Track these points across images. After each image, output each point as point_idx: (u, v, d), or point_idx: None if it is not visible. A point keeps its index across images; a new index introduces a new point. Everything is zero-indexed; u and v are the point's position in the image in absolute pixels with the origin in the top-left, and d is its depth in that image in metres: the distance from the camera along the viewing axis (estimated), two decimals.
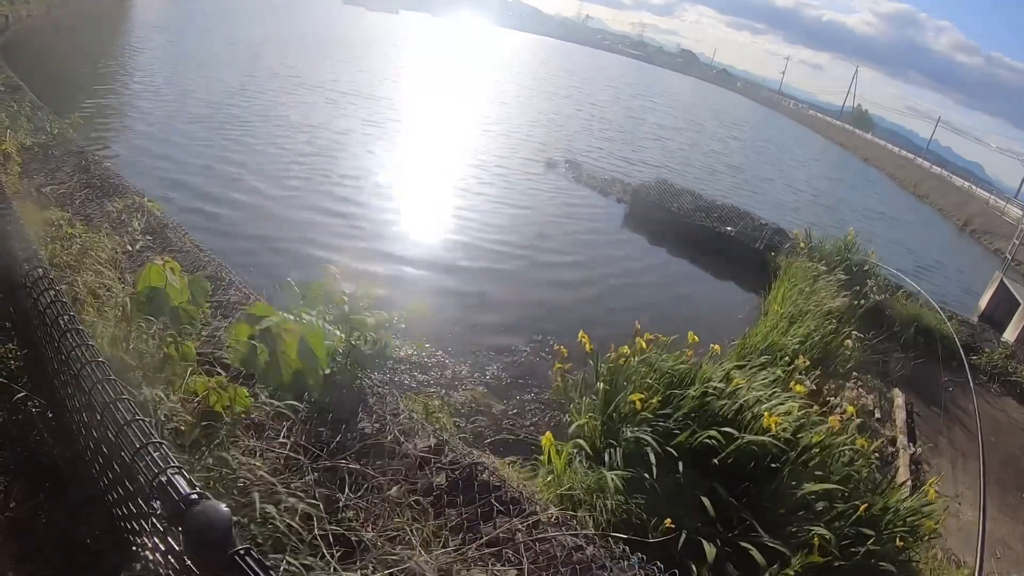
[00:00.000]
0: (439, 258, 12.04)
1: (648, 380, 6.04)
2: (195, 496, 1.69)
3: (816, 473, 5.69)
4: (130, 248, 6.86)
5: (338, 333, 4.76)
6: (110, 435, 2.25)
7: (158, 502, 1.82)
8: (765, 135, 55.35)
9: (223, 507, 1.66)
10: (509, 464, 5.31)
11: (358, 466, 4.20)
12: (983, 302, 21.09)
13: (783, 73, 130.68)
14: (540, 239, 14.21)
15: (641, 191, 18.29)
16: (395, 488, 4.16)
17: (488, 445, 6.05)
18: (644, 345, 6.22)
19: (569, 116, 33.32)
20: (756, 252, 15.42)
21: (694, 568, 4.58)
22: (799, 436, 5.85)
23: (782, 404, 6.21)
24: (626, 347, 6.22)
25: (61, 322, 3.01)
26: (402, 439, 4.60)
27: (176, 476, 1.80)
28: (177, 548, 1.76)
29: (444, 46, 65.34)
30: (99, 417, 2.38)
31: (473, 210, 15.47)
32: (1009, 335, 17.02)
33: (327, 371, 4.73)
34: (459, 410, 6.52)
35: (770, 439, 5.48)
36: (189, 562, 1.67)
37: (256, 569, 1.51)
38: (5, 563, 3.15)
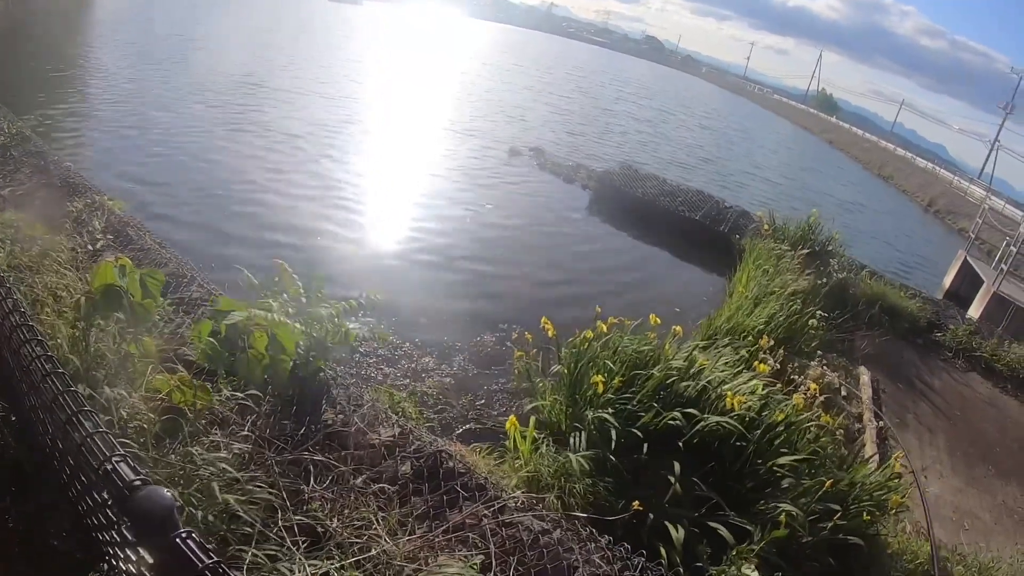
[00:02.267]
0: (400, 248, 12.00)
1: (610, 363, 6.08)
2: (138, 482, 1.71)
3: (782, 451, 5.75)
4: (91, 247, 6.80)
5: (298, 326, 4.76)
6: (60, 431, 2.26)
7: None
8: (731, 121, 55.62)
9: (166, 492, 1.68)
10: (476, 452, 5.33)
11: (322, 457, 4.21)
12: (947, 280, 21.48)
13: (748, 59, 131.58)
14: (504, 228, 14.20)
15: (605, 177, 18.30)
16: (360, 478, 4.18)
17: (456, 435, 6.07)
18: (605, 328, 6.26)
19: (531, 106, 33.10)
20: (721, 235, 15.51)
21: (662, 550, 4.63)
22: (763, 415, 5.92)
23: (746, 384, 6.28)
24: (589, 331, 6.26)
25: (13, 319, 3.00)
26: (366, 429, 4.61)
27: (120, 464, 1.81)
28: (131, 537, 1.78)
29: (407, 37, 64.60)
30: (49, 413, 2.39)
31: (435, 198, 15.48)
32: (973, 312, 17.34)
33: (290, 364, 4.74)
34: (426, 401, 6.53)
35: (733, 419, 5.55)
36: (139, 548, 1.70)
37: (197, 552, 1.53)
38: None
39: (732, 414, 5.59)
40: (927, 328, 14.40)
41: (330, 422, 4.59)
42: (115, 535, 1.93)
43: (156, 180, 12.34)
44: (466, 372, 7.78)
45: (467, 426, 6.28)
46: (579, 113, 34.76)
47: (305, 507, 3.81)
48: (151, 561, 1.67)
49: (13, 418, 3.66)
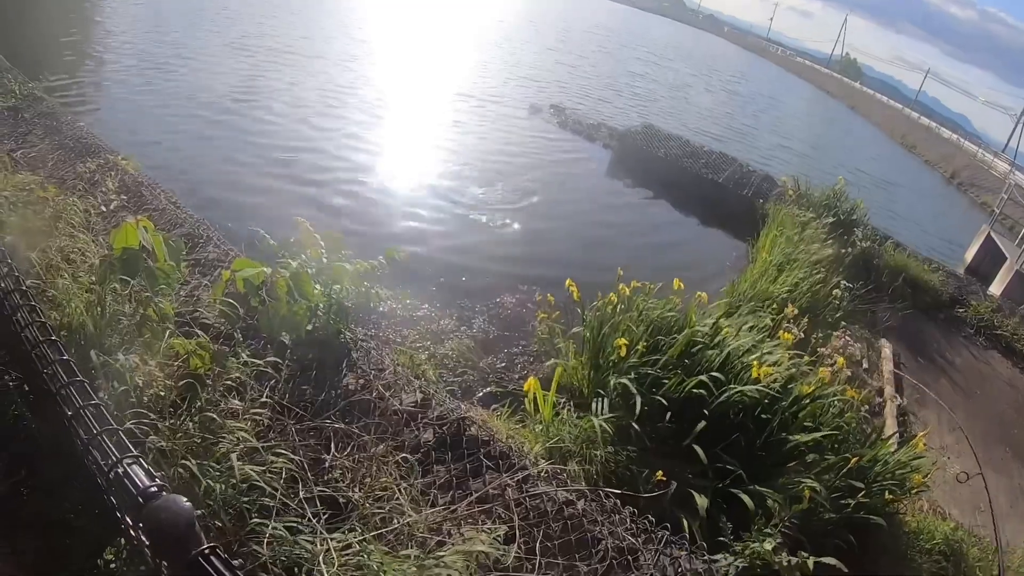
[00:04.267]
0: (420, 206, 11.89)
1: (633, 327, 5.97)
2: (154, 489, 1.58)
3: (806, 424, 5.65)
4: (104, 209, 6.70)
5: (317, 288, 4.67)
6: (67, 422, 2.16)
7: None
8: (755, 86, 54.67)
9: (185, 502, 1.54)
10: (497, 416, 5.24)
11: (343, 425, 4.12)
12: (969, 255, 21.25)
13: (771, 19, 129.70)
14: (524, 186, 14.03)
15: (627, 136, 18.08)
16: (381, 446, 4.10)
17: (477, 398, 5.99)
18: (628, 292, 6.15)
19: (550, 67, 32.37)
20: (744, 199, 15.31)
21: (684, 522, 4.56)
22: (789, 387, 5.81)
23: (771, 354, 6.16)
24: (613, 295, 6.15)
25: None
26: (387, 395, 4.52)
27: (133, 466, 1.68)
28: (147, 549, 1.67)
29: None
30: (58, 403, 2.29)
31: (455, 154, 15.32)
32: (995, 288, 17.14)
33: (309, 328, 4.66)
34: (446, 364, 6.44)
35: (760, 389, 5.44)
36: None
37: (222, 569, 1.40)
38: None
39: (758, 385, 5.48)
40: (949, 303, 14.26)
41: (351, 388, 4.50)
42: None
43: (170, 140, 12.19)
44: (487, 334, 7.67)
45: (488, 389, 6.20)
46: (600, 74, 34.12)
47: (326, 476, 3.74)
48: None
49: (26, 387, 3.58)
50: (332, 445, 3.97)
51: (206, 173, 11.01)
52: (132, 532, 1.71)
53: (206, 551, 1.44)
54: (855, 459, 5.35)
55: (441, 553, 3.31)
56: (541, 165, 15.95)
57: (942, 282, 14.59)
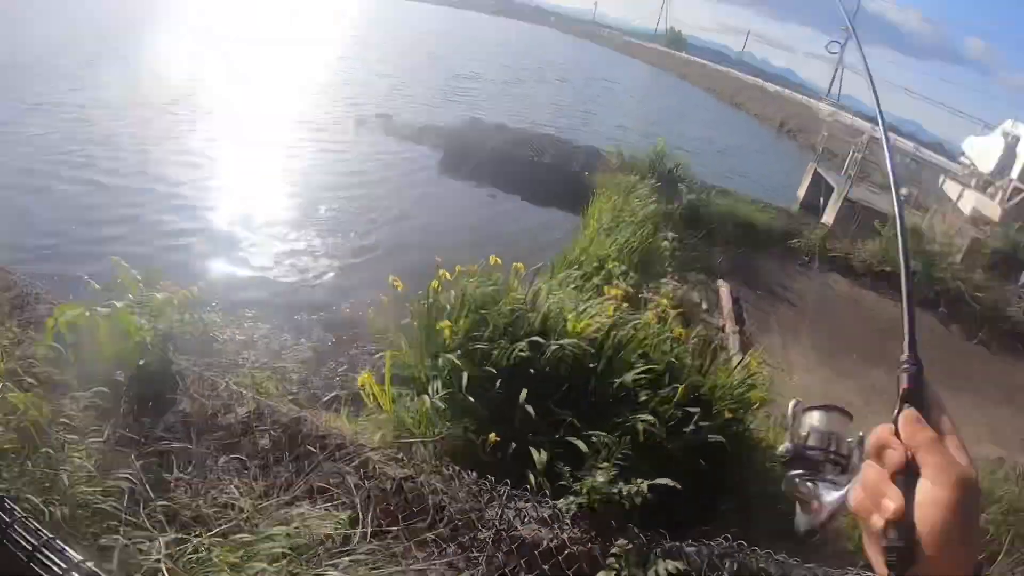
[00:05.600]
0: (249, 230, 12.00)
1: (451, 307, 6.30)
2: None
3: (636, 366, 6.09)
4: None
5: (144, 323, 4.83)
6: None
7: None
8: (585, 70, 56.00)
9: None
10: (340, 416, 5.51)
11: (182, 445, 4.32)
12: (801, 192, 22.70)
13: (596, 3, 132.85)
14: (356, 197, 14.24)
15: (453, 134, 18.57)
16: (222, 458, 4.32)
17: (323, 403, 6.20)
18: (448, 276, 6.45)
19: (379, 78, 31.95)
20: (573, 175, 15.96)
21: (531, 476, 4.91)
22: (613, 334, 6.26)
23: (592, 309, 6.61)
24: (435, 281, 6.45)
25: None
26: (223, 412, 4.74)
27: None
28: None
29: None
30: None
31: (285, 176, 15.45)
32: (827, 218, 18.47)
33: (140, 363, 4.81)
34: (289, 377, 6.61)
35: (577, 341, 5.88)
36: None
37: None
38: None
39: (580, 338, 5.92)
40: (782, 237, 15.20)
41: (187, 411, 4.69)
42: None
43: None
44: (324, 343, 7.92)
45: (333, 393, 6.39)
46: (428, 79, 34.00)
47: (170, 494, 3.93)
48: None
49: None
50: (174, 465, 4.15)
51: (29, 237, 10.69)
52: None
53: None
54: (683, 388, 5.84)
55: (267, 531, 3.55)
56: (368, 175, 16.14)
57: (772, 219, 15.55)
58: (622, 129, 26.97)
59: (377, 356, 6.73)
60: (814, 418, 1.05)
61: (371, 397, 5.59)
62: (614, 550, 4.39)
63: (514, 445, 5.10)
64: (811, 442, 1.02)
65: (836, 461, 1.01)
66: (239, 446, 4.49)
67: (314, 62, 33.65)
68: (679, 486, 4.83)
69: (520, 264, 6.62)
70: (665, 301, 7.68)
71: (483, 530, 4.29)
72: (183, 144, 16.61)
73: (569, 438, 5.25)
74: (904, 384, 0.95)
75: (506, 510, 4.40)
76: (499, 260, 6.72)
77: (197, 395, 4.83)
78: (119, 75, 22.34)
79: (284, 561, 3.38)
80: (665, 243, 10.93)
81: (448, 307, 6.30)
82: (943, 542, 0.80)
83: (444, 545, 4.14)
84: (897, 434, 0.91)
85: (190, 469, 4.20)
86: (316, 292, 9.90)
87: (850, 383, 10.34)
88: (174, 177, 14.08)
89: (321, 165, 16.54)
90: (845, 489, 0.94)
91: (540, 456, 4.98)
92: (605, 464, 4.89)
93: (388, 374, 5.63)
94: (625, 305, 7.05)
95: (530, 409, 5.28)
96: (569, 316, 6.21)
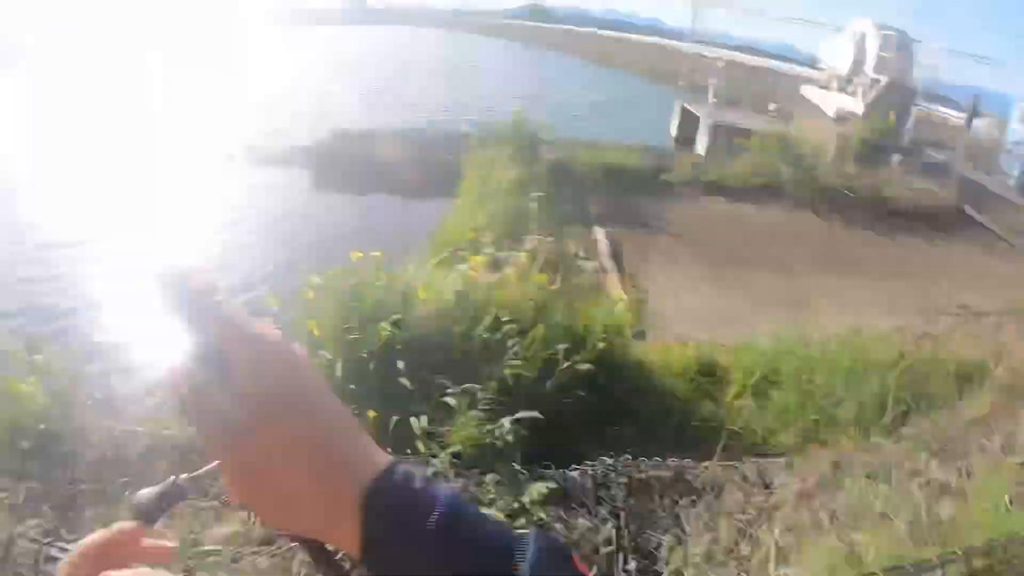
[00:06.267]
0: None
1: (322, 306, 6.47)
2: None
3: (500, 319, 6.30)
4: None
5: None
6: None
7: None
8: (456, 62, 55.48)
9: None
10: None
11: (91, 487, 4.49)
12: (672, 129, 23.36)
13: None
14: (232, 234, 14.09)
15: (322, 148, 18.46)
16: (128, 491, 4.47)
17: None
18: (316, 282, 6.57)
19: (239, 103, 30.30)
20: (443, 162, 16.04)
21: (420, 445, 5.05)
22: (470, 296, 6.50)
23: (446, 277, 6.81)
24: (306, 289, 6.56)
25: None
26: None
27: None
28: None
29: None
30: None
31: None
32: (700, 149, 19.11)
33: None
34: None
35: (430, 308, 6.11)
36: None
37: None
38: None
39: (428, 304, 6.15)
40: (654, 174, 15.60)
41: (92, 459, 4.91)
42: None
43: None
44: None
45: None
46: (291, 101, 32.67)
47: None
48: None
49: None
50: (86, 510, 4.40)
51: None
52: None
53: None
54: (539, 328, 6.11)
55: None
56: (245, 210, 15.71)
57: (642, 160, 15.93)
58: (490, 111, 26.91)
59: None
60: None
61: None
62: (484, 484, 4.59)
63: (395, 419, 5.26)
64: None
65: None
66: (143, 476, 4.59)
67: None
68: (539, 415, 5.09)
69: (378, 253, 6.71)
70: (523, 256, 7.88)
71: None
72: None
73: (443, 399, 5.44)
74: None
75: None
76: (361, 254, 6.78)
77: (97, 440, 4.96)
78: None
79: None
80: (532, 204, 11.12)
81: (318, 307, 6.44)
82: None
83: None
84: None
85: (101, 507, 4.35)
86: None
87: (736, 292, 10.73)
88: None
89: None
90: None
91: (419, 422, 5.15)
92: (473, 412, 5.12)
93: None
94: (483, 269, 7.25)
95: (405, 381, 5.47)
96: (420, 288, 6.39)
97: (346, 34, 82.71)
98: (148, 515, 0.66)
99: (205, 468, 0.66)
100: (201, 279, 0.61)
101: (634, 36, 60.99)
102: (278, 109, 29.43)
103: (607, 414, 6.27)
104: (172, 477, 0.67)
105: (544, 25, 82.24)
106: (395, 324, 6.02)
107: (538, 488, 4.63)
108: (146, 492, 0.67)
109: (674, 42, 51.07)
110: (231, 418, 0.57)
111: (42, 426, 5.02)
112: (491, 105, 28.04)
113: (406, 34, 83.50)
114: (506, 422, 5.05)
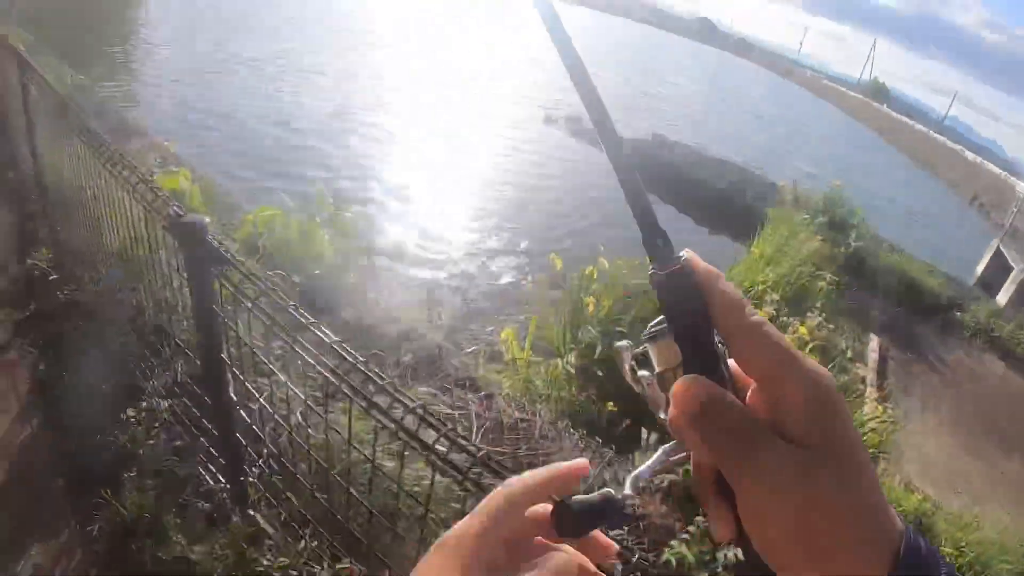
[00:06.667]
0: (438, 195, 12.93)
1: (600, 288, 6.59)
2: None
3: None
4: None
5: (326, 236, 5.41)
6: None
7: None
8: (779, 108, 54.31)
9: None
10: (474, 360, 5.90)
11: (339, 338, 4.79)
12: (980, 268, 21.51)
13: (801, 43, 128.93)
14: (535, 188, 14.80)
15: (637, 145, 18.46)
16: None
17: (464, 353, 6.62)
18: (606, 264, 6.71)
19: (564, 83, 31.84)
20: (746, 204, 15.72)
21: (636, 455, 5.13)
22: None
23: None
24: (592, 267, 6.74)
25: None
26: (377, 324, 5.22)
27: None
28: None
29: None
30: None
31: (473, 159, 16.29)
32: (1002, 298, 17.48)
33: (316, 272, 5.39)
34: (438, 322, 7.06)
35: None
36: None
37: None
38: None
39: None
40: (947, 306, 14.50)
41: (348, 318, 5.20)
42: None
43: (207, 128, 13.11)
44: (480, 301, 8.44)
45: (475, 347, 6.81)
46: (619, 93, 34.00)
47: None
48: None
49: None
50: None
51: (242, 160, 11.87)
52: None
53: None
54: None
55: None
56: (552, 170, 16.72)
57: (940, 285, 14.87)
58: (804, 173, 26.15)
59: (523, 318, 7.03)
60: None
61: (509, 351, 5.94)
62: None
63: (628, 422, 5.33)
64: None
65: None
66: (382, 357, 4.93)
67: (507, 61, 34.41)
68: None
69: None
70: (803, 330, 7.62)
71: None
72: (374, 118, 17.57)
73: None
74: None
75: (604, 471, 4.62)
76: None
77: (360, 307, 5.33)
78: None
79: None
80: (822, 283, 10.71)
81: (599, 288, 6.58)
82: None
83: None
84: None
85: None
86: (479, 257, 10.39)
87: (979, 464, 9.88)
88: (361, 149, 15.07)
89: (510, 157, 17.20)
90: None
91: (648, 436, 5.19)
92: None
93: (530, 335, 5.96)
94: None
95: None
96: None
97: (688, 46, 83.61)
98: (574, 525, 0.62)
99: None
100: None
101: (968, 153, 56.40)
102: (619, 97, 30.56)
103: None
104: (609, 492, 0.62)
105: (880, 107, 77.88)
106: None
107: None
108: (580, 499, 0.62)
109: (1007, 175, 46.73)
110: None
111: (317, 271, 5.45)
112: (812, 171, 27.31)
113: (746, 67, 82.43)
114: None
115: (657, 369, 0.63)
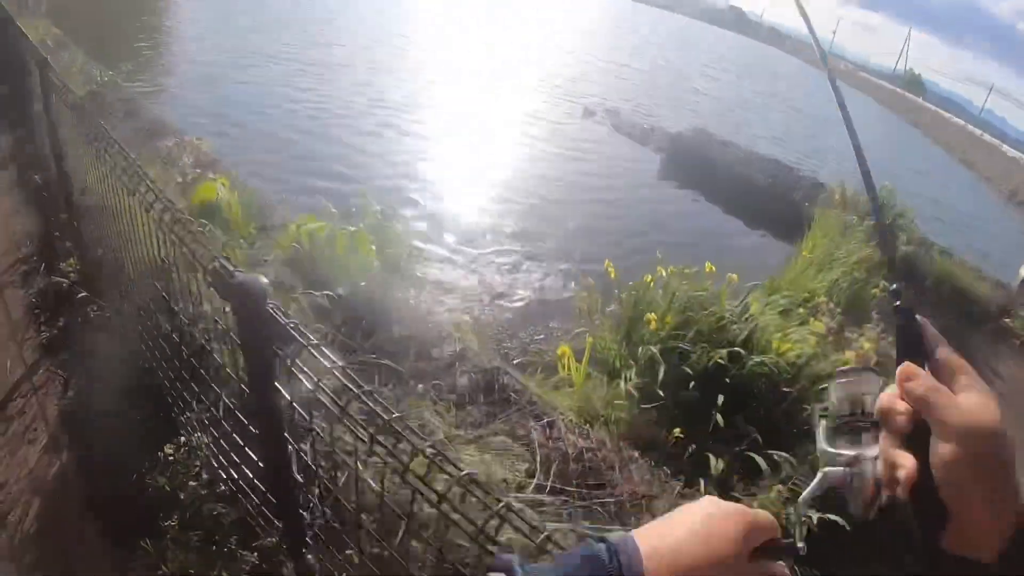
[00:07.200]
0: (478, 196, 12.54)
1: (663, 303, 6.31)
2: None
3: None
4: (181, 179, 7.25)
5: (373, 247, 5.14)
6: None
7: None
8: (817, 102, 53.52)
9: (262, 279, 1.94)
10: (531, 378, 5.63)
11: (388, 363, 4.55)
12: (1022, 272, 20.95)
13: (834, 33, 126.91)
14: (574, 183, 14.43)
15: (679, 140, 18.16)
16: (420, 385, 4.52)
17: (514, 363, 6.36)
18: (664, 273, 6.47)
19: (605, 72, 32.07)
20: (793, 204, 15.33)
21: (701, 482, 4.87)
22: (812, 364, 6.08)
23: (795, 333, 6.43)
24: (648, 276, 6.48)
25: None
26: (430, 345, 4.96)
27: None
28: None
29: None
30: None
31: (511, 155, 15.88)
32: None
33: (363, 284, 5.13)
34: (486, 332, 6.84)
35: (776, 359, 5.74)
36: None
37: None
38: None
39: (781, 358, 5.79)
40: (997, 313, 14.11)
41: (396, 336, 4.93)
42: None
43: (239, 126, 12.89)
44: (528, 308, 8.14)
45: (525, 357, 6.55)
46: (656, 83, 33.67)
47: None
48: None
49: None
50: (376, 378, 4.39)
51: (275, 159, 11.62)
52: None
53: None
54: None
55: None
56: (592, 164, 16.33)
57: (991, 291, 14.48)
58: (848, 169, 25.54)
59: (574, 334, 6.77)
60: (844, 383, 0.97)
61: (565, 369, 5.69)
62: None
63: (693, 447, 5.07)
64: (843, 409, 0.95)
65: (866, 426, 0.93)
66: (439, 379, 4.67)
67: (543, 50, 34.17)
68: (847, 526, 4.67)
69: (734, 275, 6.53)
70: (868, 345, 7.29)
71: (651, 517, 4.26)
72: (408, 115, 17.20)
73: (750, 453, 5.15)
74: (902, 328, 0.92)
75: (676, 503, 4.36)
76: (714, 268, 6.63)
77: (410, 322, 5.08)
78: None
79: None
80: (875, 291, 10.31)
81: (656, 302, 6.30)
82: (966, 502, 0.76)
83: (612, 520, 4.16)
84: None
85: (390, 385, 4.42)
86: (523, 259, 10.08)
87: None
88: (396, 146, 14.75)
89: (547, 148, 16.91)
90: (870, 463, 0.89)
91: (717, 464, 4.95)
92: (780, 487, 4.79)
93: (588, 353, 5.71)
94: (830, 339, 6.83)
95: (719, 417, 5.23)
96: (775, 335, 6.06)
97: (723, 36, 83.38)
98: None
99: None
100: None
101: (1007, 148, 55.15)
102: (641, 85, 30.43)
103: None
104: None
105: (916, 99, 76.58)
106: (732, 357, 5.75)
107: None
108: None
109: None
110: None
111: (363, 283, 5.21)
112: (854, 167, 26.69)
113: (780, 59, 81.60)
114: (814, 517, 4.65)
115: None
